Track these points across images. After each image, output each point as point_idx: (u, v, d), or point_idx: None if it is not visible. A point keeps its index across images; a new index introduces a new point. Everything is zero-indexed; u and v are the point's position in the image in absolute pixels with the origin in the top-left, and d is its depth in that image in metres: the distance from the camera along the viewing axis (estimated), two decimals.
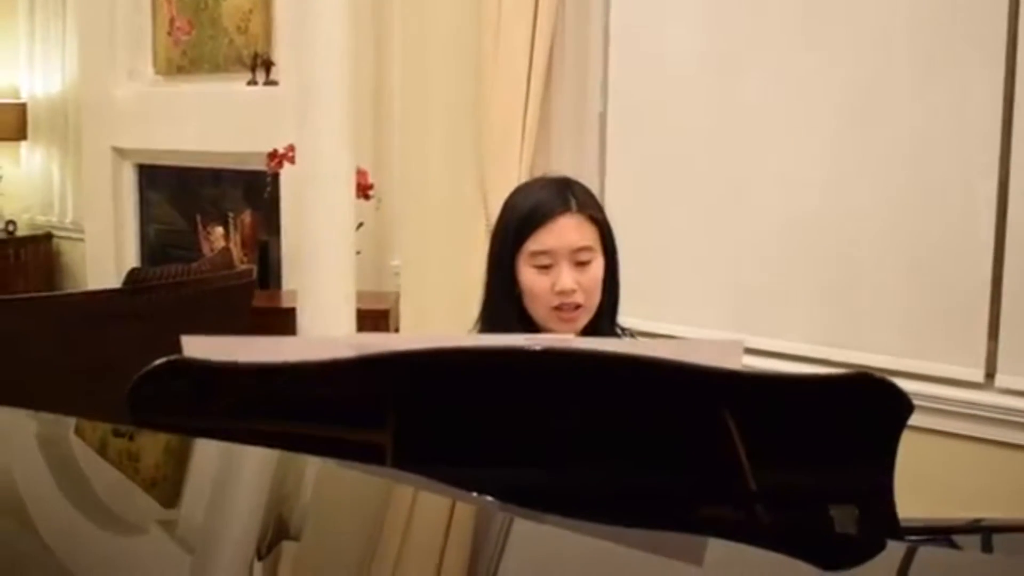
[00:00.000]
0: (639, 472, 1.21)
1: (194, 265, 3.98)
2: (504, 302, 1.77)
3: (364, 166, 4.61)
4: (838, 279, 3.17)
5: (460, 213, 3.90)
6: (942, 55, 2.97)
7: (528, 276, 1.74)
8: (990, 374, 2.98)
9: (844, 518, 1.18)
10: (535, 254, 1.73)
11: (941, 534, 1.44)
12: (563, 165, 3.69)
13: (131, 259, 6.55)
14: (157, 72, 6.29)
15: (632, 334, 1.91)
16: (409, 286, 4.13)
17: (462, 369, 1.14)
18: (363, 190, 4.53)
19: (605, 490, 1.17)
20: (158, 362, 1.14)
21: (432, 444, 1.15)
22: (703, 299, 3.44)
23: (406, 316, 4.15)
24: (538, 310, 1.75)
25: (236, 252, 5.52)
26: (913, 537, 1.33)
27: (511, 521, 0.99)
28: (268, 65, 5.56)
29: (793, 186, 3.24)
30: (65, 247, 7.50)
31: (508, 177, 3.64)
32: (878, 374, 1.16)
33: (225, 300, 3.88)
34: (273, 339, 1.13)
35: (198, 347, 1.14)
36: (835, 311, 3.17)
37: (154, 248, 6.59)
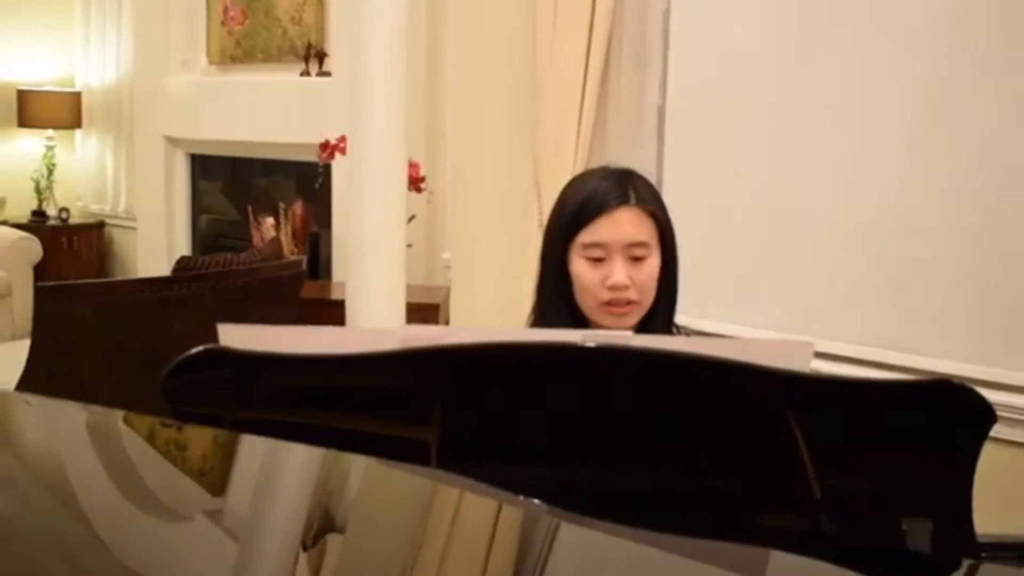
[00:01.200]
0: (696, 478, 1.15)
1: (243, 255, 3.96)
2: (555, 294, 1.71)
3: (416, 158, 4.58)
4: (904, 281, 3.07)
5: (513, 207, 3.85)
6: (1016, 47, 2.87)
7: (580, 268, 1.68)
8: None
9: (917, 532, 1.11)
10: (588, 245, 1.66)
11: (1016, 550, 1.37)
12: (620, 159, 3.61)
13: (183, 248, 6.56)
14: (211, 62, 6.30)
15: (688, 333, 1.84)
16: (460, 280, 4.09)
17: (513, 365, 1.09)
18: (415, 183, 4.49)
19: (659, 495, 1.12)
20: (192, 351, 1.09)
21: (479, 442, 1.09)
22: (761, 298, 3.35)
23: (456, 311, 4.10)
24: (588, 304, 1.69)
25: (287, 243, 5.51)
26: (990, 553, 1.26)
27: (557, 525, 0.95)
28: (321, 56, 5.55)
29: (859, 183, 3.15)
30: (117, 235, 7.54)
31: (562, 171, 3.58)
32: (959, 381, 1.09)
33: (274, 290, 3.85)
34: (314, 329, 1.09)
35: (235, 336, 1.09)
36: (901, 314, 3.07)
37: (205, 237, 6.60)
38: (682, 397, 1.13)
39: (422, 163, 4.72)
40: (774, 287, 3.34)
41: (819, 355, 3.07)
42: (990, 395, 2.87)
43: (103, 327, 3.50)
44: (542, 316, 1.75)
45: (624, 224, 1.66)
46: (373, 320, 3.81)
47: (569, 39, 3.50)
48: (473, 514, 1.01)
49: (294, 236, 5.48)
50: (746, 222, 3.42)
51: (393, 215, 3.78)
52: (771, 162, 3.33)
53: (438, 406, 1.09)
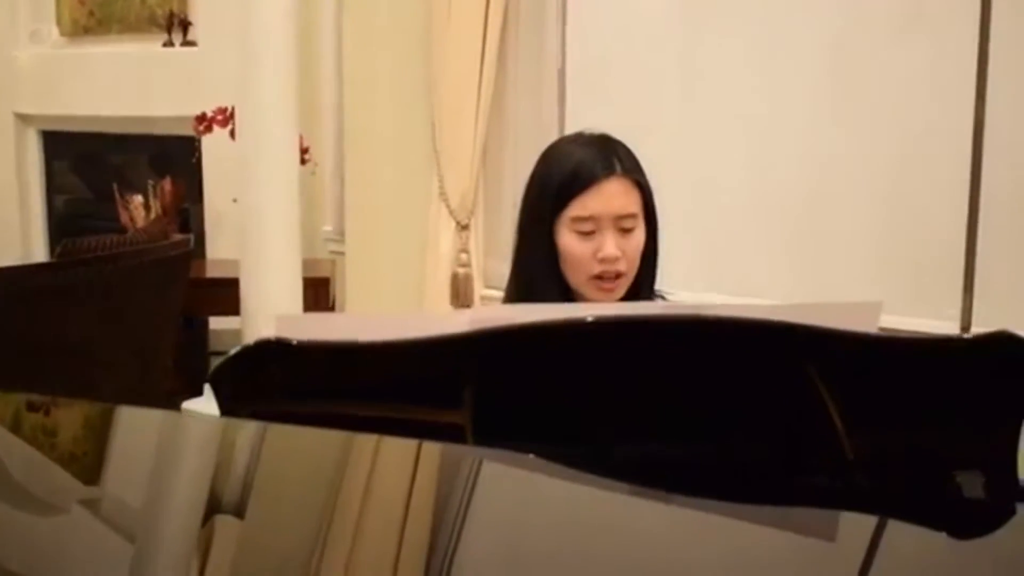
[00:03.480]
0: (761, 445, 1.14)
1: (129, 236, 3.78)
2: (542, 268, 1.66)
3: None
4: (810, 233, 3.13)
5: (409, 174, 3.77)
6: (918, 6, 2.94)
7: (569, 242, 1.63)
8: (965, 328, 2.98)
9: (971, 484, 1.12)
10: (578, 219, 1.62)
11: None
12: (520, 123, 3.59)
13: (38, 231, 6.26)
14: (62, 33, 5.98)
15: (663, 299, 1.82)
16: (355, 252, 3.99)
17: (593, 340, 1.05)
18: (300, 154, 4.36)
19: (723, 466, 1.10)
20: (249, 344, 1.02)
21: (563, 420, 1.06)
22: (672, 257, 3.36)
23: (353, 283, 4.01)
24: (576, 277, 1.65)
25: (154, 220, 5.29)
26: None
27: (480, 465, 0.95)
28: (185, 25, 5.33)
29: (764, 141, 3.19)
30: None
31: (463, 136, 3.53)
32: (1017, 333, 1.10)
33: (163, 272, 3.70)
34: (375, 315, 1.02)
35: (292, 326, 1.03)
36: (807, 265, 3.14)
37: (63, 219, 6.30)
38: (753, 364, 1.11)
39: (303, 134, 4.59)
40: (683, 246, 3.36)
41: None
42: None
43: None
44: (526, 288, 1.70)
45: (614, 196, 1.62)
46: (269, 298, 3.69)
47: (466, 2, 3.43)
48: (391, 460, 0.98)
49: (164, 213, 5.26)
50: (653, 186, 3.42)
51: (287, 189, 3.67)
52: (677, 126, 3.34)
53: (474, 390, 1.04)
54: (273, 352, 1.02)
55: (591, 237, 1.62)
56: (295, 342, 1.01)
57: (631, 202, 1.64)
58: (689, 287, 3.27)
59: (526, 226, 1.70)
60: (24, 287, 3.29)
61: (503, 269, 3.67)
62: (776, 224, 3.21)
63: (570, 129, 3.57)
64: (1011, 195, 2.89)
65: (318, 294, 4.28)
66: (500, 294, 3.67)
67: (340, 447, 1.03)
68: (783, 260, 3.20)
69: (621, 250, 1.62)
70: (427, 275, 3.69)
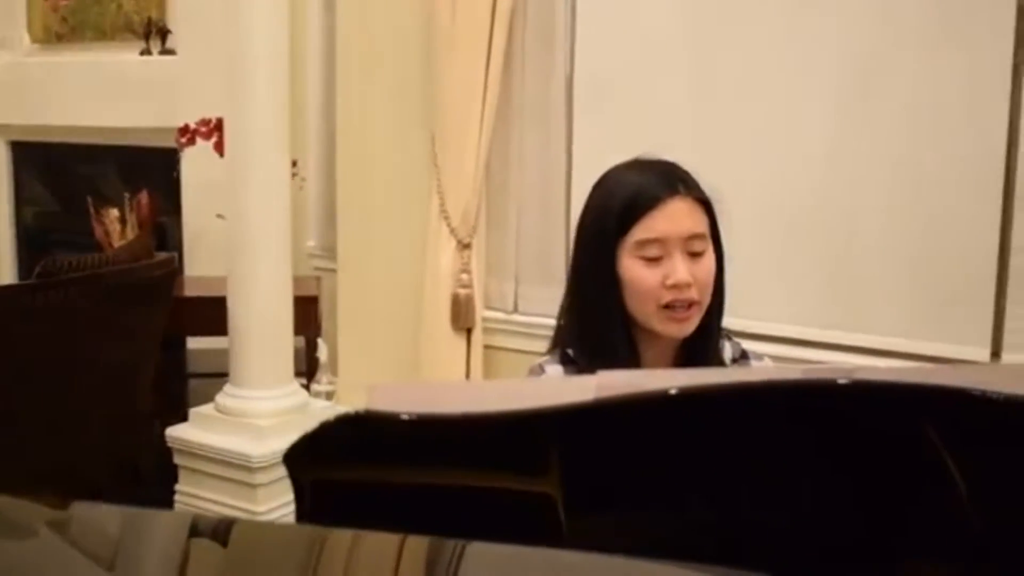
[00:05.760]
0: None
1: (111, 254, 3.61)
2: (605, 303, 1.51)
3: None
4: (838, 259, 3.01)
5: (406, 190, 3.62)
6: (949, 22, 2.82)
7: (633, 270, 1.49)
8: (996, 352, 2.86)
9: None
10: (643, 243, 1.48)
11: None
12: (526, 137, 3.44)
13: (6, 245, 6.04)
14: (33, 40, 5.77)
15: (744, 352, 1.68)
16: (348, 270, 3.83)
17: (744, 407, 0.90)
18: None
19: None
20: (334, 417, 0.88)
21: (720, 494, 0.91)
22: None
23: (346, 302, 3.85)
24: (644, 309, 1.50)
25: (132, 236, 5.09)
26: None
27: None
28: (163, 33, 5.14)
29: (787, 161, 3.06)
30: None
31: (466, 149, 3.38)
32: None
33: (148, 292, 3.52)
34: (477, 383, 0.88)
35: (386, 397, 0.88)
36: (836, 292, 3.01)
37: (32, 233, 6.09)
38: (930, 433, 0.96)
39: None
40: None
41: (748, 336, 2.98)
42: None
43: None
44: (588, 329, 1.54)
45: (680, 216, 1.49)
46: (261, 318, 3.52)
47: (472, 11, 3.28)
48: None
49: (141, 228, 5.07)
50: None
51: (279, 205, 3.50)
52: (689, 142, 3.20)
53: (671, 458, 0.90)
54: (377, 426, 0.87)
55: (658, 263, 1.48)
56: (404, 416, 0.87)
57: (699, 222, 1.51)
58: None
59: (583, 258, 1.56)
60: (2, 309, 3.10)
61: (505, 289, 3.56)
62: (793, 245, 3.08)
63: (578, 145, 3.45)
64: None
65: (307, 313, 4.10)
66: (503, 315, 3.55)
67: (308, 546, 0.93)
68: (801, 282, 3.07)
69: (692, 275, 1.48)
70: (426, 295, 3.54)
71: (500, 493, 0.91)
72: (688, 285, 1.48)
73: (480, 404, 0.88)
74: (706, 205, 1.53)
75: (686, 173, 1.55)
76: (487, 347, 3.54)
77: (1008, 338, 2.84)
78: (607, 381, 0.93)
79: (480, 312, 3.51)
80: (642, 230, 1.48)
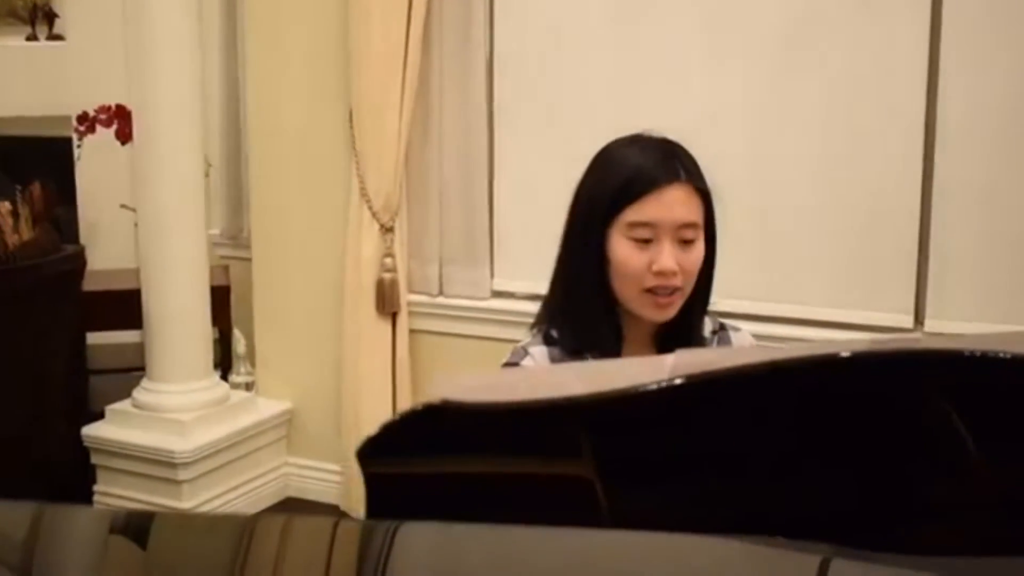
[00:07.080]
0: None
1: (16, 250, 3.46)
2: (589, 279, 1.50)
3: None
4: (762, 229, 3.05)
5: (322, 175, 3.56)
6: None
7: (622, 250, 1.47)
8: (919, 320, 2.95)
9: None
10: (634, 225, 1.46)
11: None
12: (446, 117, 3.40)
13: None
14: None
15: (723, 325, 1.68)
16: (263, 256, 3.75)
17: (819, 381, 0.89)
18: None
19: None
20: (408, 410, 0.84)
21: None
22: None
23: (262, 289, 3.77)
24: (627, 290, 1.49)
25: (26, 229, 4.89)
26: None
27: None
28: (51, 17, 4.94)
29: (711, 135, 3.07)
30: None
31: (386, 133, 3.33)
32: None
33: (57, 288, 3.39)
34: (546, 369, 0.86)
35: (455, 388, 0.85)
36: (762, 262, 3.05)
37: None
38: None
39: None
40: None
41: None
42: (858, 337, 2.90)
43: None
44: (569, 305, 1.53)
45: (675, 203, 1.47)
46: (177, 309, 3.42)
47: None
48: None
49: (36, 221, 4.88)
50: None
51: (193, 194, 3.40)
52: (611, 119, 3.20)
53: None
54: (450, 417, 0.83)
55: (647, 246, 1.47)
56: (470, 401, 0.83)
57: (693, 211, 1.49)
58: None
59: (573, 232, 1.53)
60: None
61: (429, 272, 3.52)
62: (719, 217, 3.11)
63: (500, 123, 3.42)
64: (962, 184, 2.86)
65: (221, 300, 4.00)
66: (427, 299, 3.52)
67: (236, 535, 0.90)
68: (728, 255, 3.10)
69: (679, 263, 1.47)
70: (347, 280, 3.48)
71: (574, 481, 0.89)
72: (673, 273, 1.47)
73: (561, 389, 0.86)
74: (704, 195, 1.52)
75: (690, 159, 1.53)
76: (413, 331, 3.50)
77: (930, 306, 2.93)
78: (685, 359, 0.91)
79: (405, 296, 3.48)
80: (635, 212, 1.46)
